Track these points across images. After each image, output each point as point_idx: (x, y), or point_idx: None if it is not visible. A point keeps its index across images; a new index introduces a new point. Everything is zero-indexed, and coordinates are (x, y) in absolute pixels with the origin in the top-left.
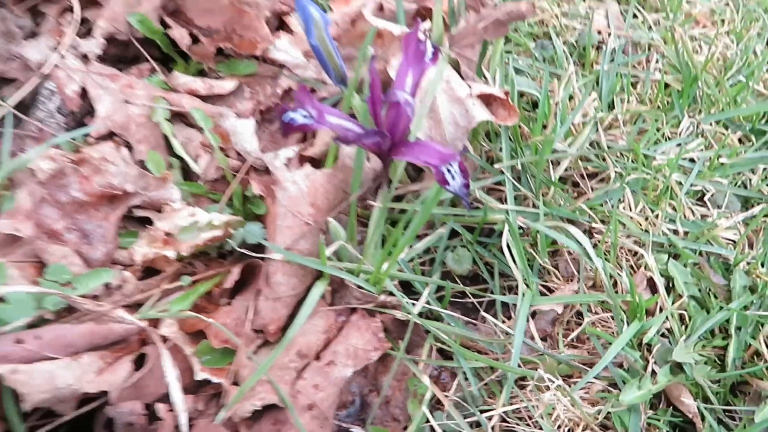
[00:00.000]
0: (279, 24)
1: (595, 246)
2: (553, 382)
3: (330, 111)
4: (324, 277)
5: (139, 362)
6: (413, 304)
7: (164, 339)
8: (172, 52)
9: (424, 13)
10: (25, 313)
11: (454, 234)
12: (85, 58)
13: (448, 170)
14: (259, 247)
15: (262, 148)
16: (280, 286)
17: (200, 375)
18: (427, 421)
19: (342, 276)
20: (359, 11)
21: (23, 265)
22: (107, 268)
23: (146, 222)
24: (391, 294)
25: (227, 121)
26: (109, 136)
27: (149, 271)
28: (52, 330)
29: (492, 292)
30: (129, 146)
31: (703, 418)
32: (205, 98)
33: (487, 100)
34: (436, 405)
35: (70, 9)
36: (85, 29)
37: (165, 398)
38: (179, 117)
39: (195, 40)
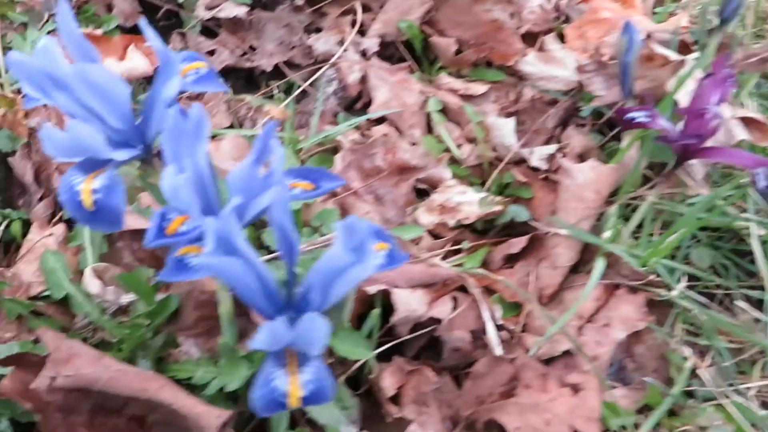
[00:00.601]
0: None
1: None
2: None
3: (660, 116)
4: (601, 253)
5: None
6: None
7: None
8: (422, 54)
9: (687, 46)
10: None
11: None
12: (363, 53)
13: (759, 173)
14: (521, 226)
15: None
16: (560, 257)
17: (500, 321)
18: (687, 386)
19: (620, 254)
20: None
21: None
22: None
23: (424, 194)
24: (655, 275)
25: (489, 118)
26: (380, 120)
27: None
28: (405, 267)
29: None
30: (399, 131)
31: None
32: (461, 97)
33: (745, 122)
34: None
35: (348, 12)
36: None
37: (471, 334)
38: (441, 111)
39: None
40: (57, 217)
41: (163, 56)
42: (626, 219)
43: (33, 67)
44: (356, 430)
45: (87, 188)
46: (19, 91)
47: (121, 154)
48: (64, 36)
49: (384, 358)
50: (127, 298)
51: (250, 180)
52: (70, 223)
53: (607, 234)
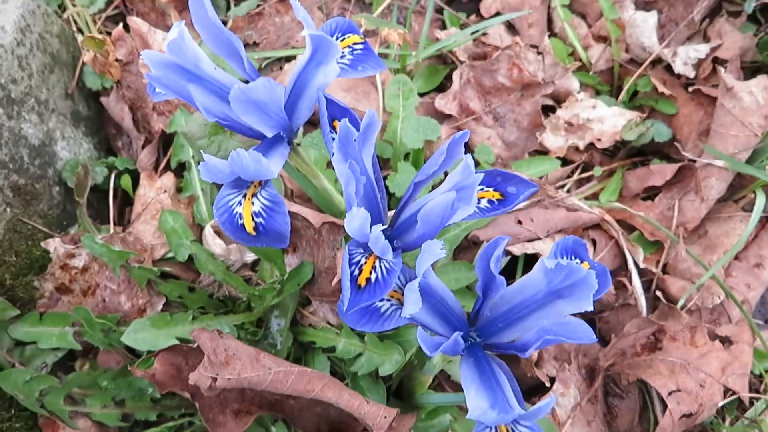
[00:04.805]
0: None
1: None
2: None
3: None
4: (759, 186)
5: None
6: None
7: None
8: None
9: None
10: None
11: None
12: None
13: None
14: (657, 146)
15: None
16: (711, 190)
17: (642, 264)
18: None
19: None
20: None
21: None
22: (546, 156)
23: (548, 110)
24: None
25: (626, 12)
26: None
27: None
28: (541, 213)
29: None
30: (515, 30)
31: None
32: None
33: None
34: None
35: None
36: None
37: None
38: (567, 5)
39: None
40: (163, 164)
41: (318, 40)
42: None
43: (167, 61)
44: None
45: (247, 211)
46: (108, 33)
47: (278, 165)
48: (197, 23)
49: None
50: (251, 255)
51: (443, 215)
52: (178, 170)
53: None
